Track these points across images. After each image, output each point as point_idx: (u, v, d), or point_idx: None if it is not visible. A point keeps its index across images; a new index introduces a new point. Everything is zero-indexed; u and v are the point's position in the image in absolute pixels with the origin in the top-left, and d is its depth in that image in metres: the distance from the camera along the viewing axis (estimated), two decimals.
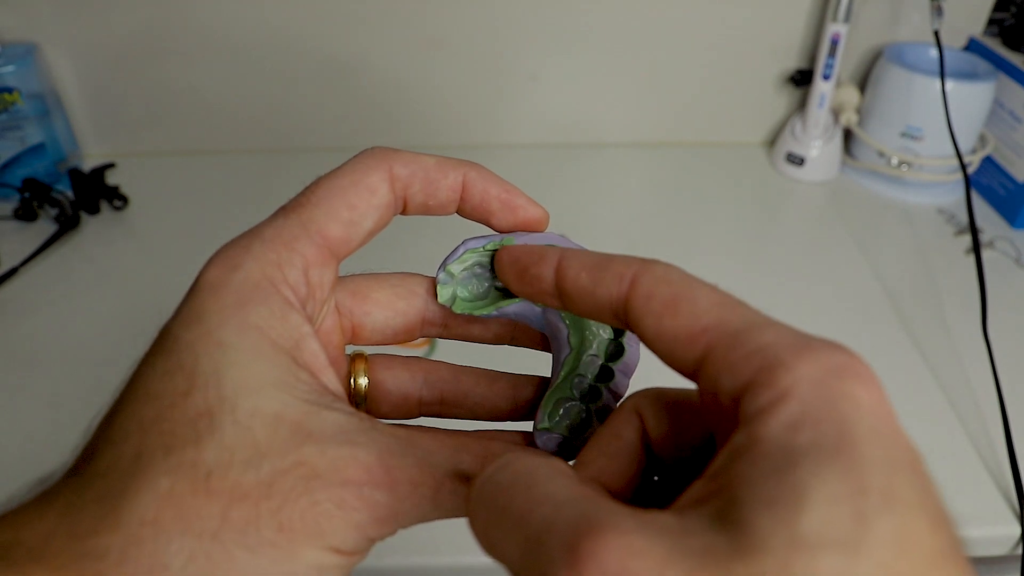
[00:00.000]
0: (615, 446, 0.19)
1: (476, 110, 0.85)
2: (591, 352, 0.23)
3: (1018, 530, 0.48)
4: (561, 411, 0.23)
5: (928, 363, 0.60)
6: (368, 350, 0.24)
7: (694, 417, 0.18)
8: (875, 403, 0.14)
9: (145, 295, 0.64)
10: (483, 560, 0.46)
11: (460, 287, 0.24)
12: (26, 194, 0.73)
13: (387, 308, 0.23)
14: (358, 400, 0.24)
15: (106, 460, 0.17)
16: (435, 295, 0.24)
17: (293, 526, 0.17)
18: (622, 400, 0.21)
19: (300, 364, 0.19)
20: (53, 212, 0.73)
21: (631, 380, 0.23)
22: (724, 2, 0.78)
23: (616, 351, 0.24)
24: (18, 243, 0.70)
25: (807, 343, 0.15)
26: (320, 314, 0.21)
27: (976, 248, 0.63)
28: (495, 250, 0.24)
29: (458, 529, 0.51)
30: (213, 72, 0.80)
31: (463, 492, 0.19)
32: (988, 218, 0.78)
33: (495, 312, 0.24)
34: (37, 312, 0.64)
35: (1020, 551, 0.49)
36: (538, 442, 0.23)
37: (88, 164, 0.79)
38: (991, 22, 0.83)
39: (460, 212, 0.23)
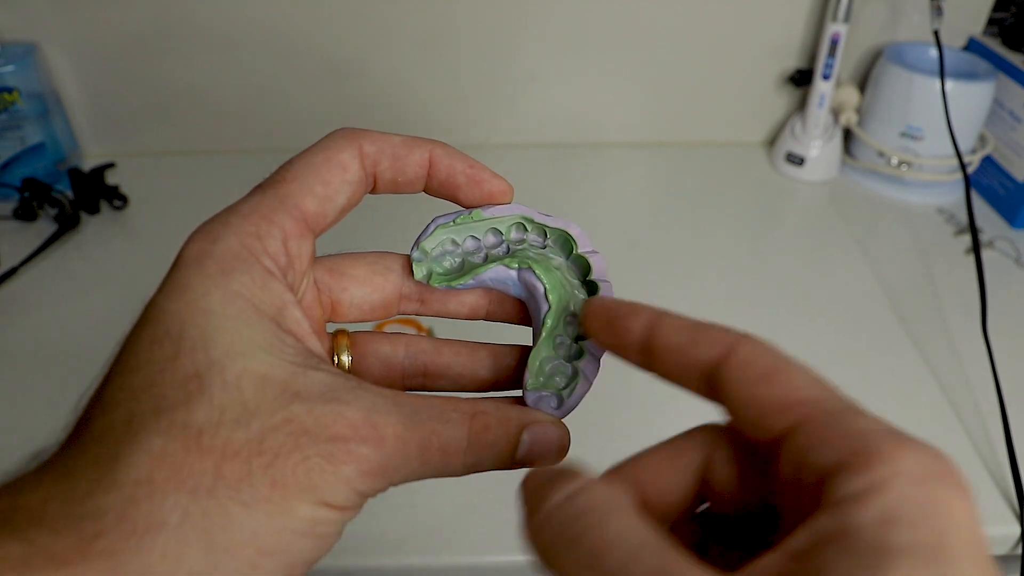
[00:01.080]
0: (677, 466, 0.19)
1: (476, 110, 0.85)
2: (570, 312, 0.24)
3: (1018, 530, 0.48)
4: (548, 369, 0.24)
5: (928, 363, 0.60)
6: (350, 328, 0.25)
7: (760, 479, 0.18)
8: (969, 516, 0.14)
9: (145, 295, 0.63)
10: (483, 560, 0.46)
11: (434, 263, 0.25)
12: (26, 194, 0.73)
13: (364, 284, 0.24)
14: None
15: (99, 426, 0.18)
16: (411, 272, 0.24)
17: (285, 481, 0.17)
18: (694, 427, 0.20)
19: (284, 330, 0.19)
20: (53, 212, 0.73)
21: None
22: (724, 2, 0.78)
23: None
24: (18, 243, 0.70)
25: (905, 438, 0.15)
26: (300, 287, 0.22)
27: (976, 248, 0.63)
28: (464, 223, 0.25)
29: (458, 529, 0.51)
30: (213, 72, 0.80)
31: (452, 449, 0.20)
32: (988, 218, 0.78)
33: (472, 281, 0.24)
34: (37, 312, 0.64)
35: (1020, 551, 0.49)
36: (529, 401, 0.23)
37: (88, 164, 0.79)
38: (991, 22, 0.83)
39: (428, 190, 0.24)
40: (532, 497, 0.17)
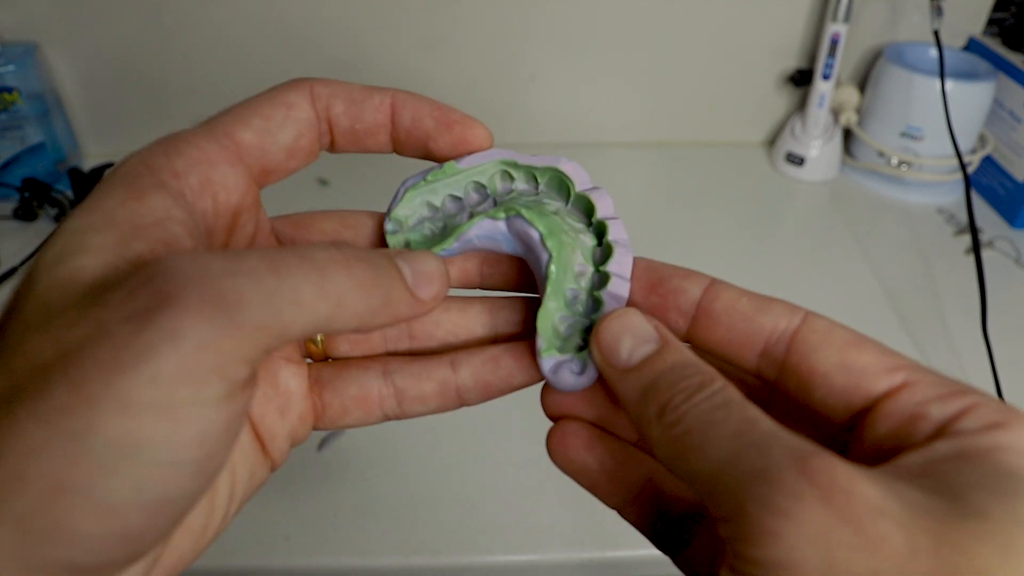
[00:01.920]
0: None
1: (476, 110, 0.84)
2: (577, 260, 0.21)
3: None
4: (563, 329, 0.21)
5: (928, 363, 0.60)
6: None
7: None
8: None
9: None
10: (483, 560, 0.46)
11: (411, 233, 0.22)
12: (26, 194, 0.73)
13: (332, 238, 0.22)
14: (314, 340, 0.22)
15: None
16: (383, 233, 0.22)
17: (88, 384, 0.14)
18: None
19: (143, 238, 0.16)
20: (53, 212, 0.73)
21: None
22: (724, 2, 0.78)
23: (604, 254, 0.21)
24: (18, 243, 0.70)
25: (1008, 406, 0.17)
26: (239, 226, 0.20)
27: (976, 248, 0.63)
28: (437, 180, 0.22)
29: (458, 529, 0.51)
30: (213, 72, 0.80)
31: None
32: (988, 218, 0.78)
33: (456, 244, 0.21)
34: None
35: None
36: (545, 369, 0.20)
37: (88, 164, 0.79)
38: (991, 22, 0.83)
39: (396, 145, 0.22)
40: (673, 396, 0.17)
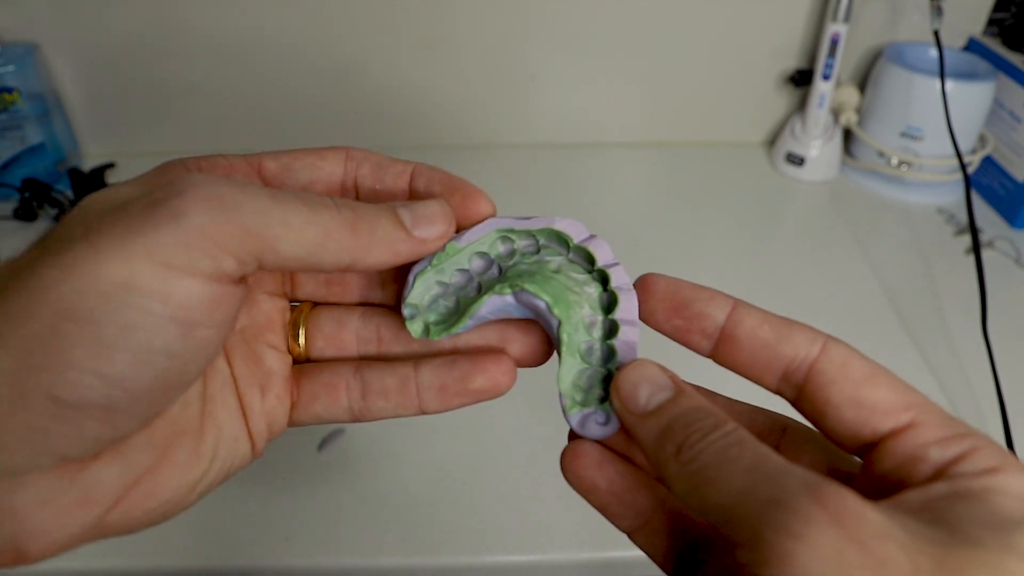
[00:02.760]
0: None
1: (476, 111, 0.85)
2: (586, 313, 0.22)
3: None
4: (583, 382, 0.22)
5: (928, 363, 0.60)
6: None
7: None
8: None
9: None
10: (483, 560, 0.46)
11: (429, 313, 0.23)
12: (26, 194, 0.73)
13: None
14: (296, 338, 0.25)
15: None
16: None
17: (100, 238, 0.18)
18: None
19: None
20: (53, 212, 0.73)
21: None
22: (724, 2, 0.78)
23: (610, 301, 0.23)
24: (18, 243, 0.70)
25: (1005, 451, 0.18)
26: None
27: (976, 248, 0.63)
28: (442, 262, 0.23)
29: (458, 529, 0.51)
30: (213, 73, 0.80)
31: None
32: (988, 218, 0.78)
33: (470, 322, 0.22)
34: None
35: None
36: (573, 424, 0.22)
37: (88, 164, 0.79)
38: (991, 22, 0.83)
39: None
40: (689, 435, 0.18)
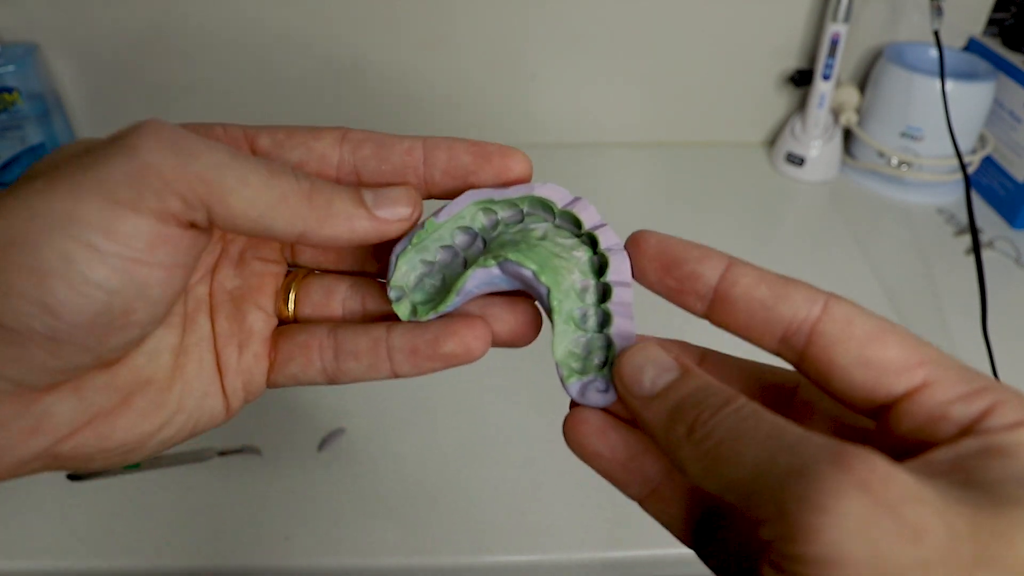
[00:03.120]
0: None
1: (476, 110, 0.85)
2: (576, 279, 0.21)
3: None
4: (580, 350, 0.21)
5: None
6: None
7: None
8: None
9: None
10: (483, 560, 0.46)
11: (416, 294, 0.23)
12: None
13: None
14: (286, 302, 0.24)
15: None
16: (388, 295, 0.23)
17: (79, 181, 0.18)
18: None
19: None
20: None
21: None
22: (724, 2, 0.78)
23: (601, 264, 0.22)
24: None
25: None
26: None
27: (976, 248, 0.63)
28: (422, 240, 0.22)
29: (458, 529, 0.51)
30: (213, 72, 0.80)
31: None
32: (988, 218, 0.78)
33: (458, 298, 0.22)
34: None
35: None
36: (573, 393, 0.21)
37: None
38: (991, 22, 0.83)
39: (428, 186, 0.23)
40: (700, 413, 0.18)
